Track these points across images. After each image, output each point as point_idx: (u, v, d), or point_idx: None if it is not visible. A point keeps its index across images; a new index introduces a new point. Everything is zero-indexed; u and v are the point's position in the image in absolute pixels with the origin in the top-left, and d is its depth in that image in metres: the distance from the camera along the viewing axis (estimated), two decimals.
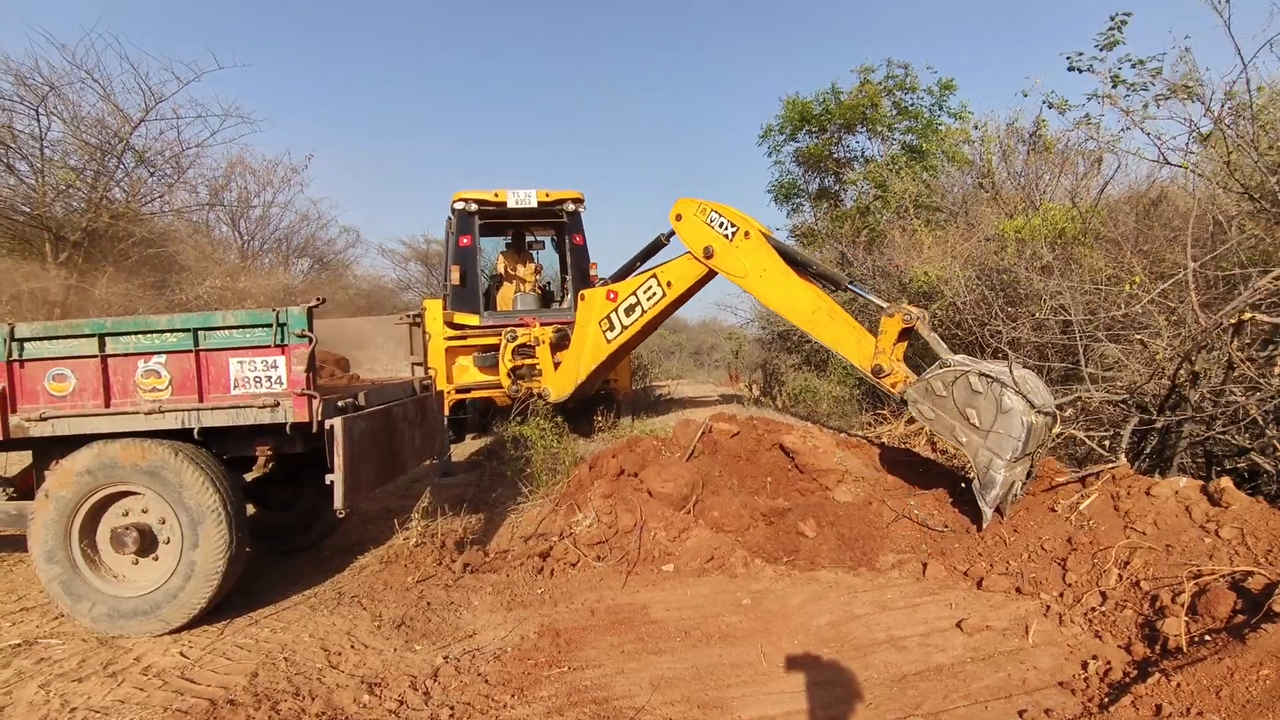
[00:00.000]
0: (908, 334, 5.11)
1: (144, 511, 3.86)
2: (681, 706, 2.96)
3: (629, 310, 6.57)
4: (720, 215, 5.91)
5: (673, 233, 6.33)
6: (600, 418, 7.84)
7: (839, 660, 3.29)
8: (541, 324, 7.82)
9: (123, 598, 3.79)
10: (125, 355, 3.81)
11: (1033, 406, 4.37)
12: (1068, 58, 7.05)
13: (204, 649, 3.62)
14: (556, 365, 7.47)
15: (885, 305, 5.18)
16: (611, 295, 6.68)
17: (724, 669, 3.27)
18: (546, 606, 4.10)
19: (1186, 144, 6.20)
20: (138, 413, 3.80)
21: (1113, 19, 6.90)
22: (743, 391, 11.94)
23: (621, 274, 6.80)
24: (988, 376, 4.48)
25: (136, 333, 3.81)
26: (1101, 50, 6.89)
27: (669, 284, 6.37)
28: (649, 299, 6.45)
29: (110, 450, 3.75)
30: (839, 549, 4.63)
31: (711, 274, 6.15)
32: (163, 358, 3.81)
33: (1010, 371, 4.48)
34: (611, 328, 6.68)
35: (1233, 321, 4.43)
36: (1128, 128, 6.51)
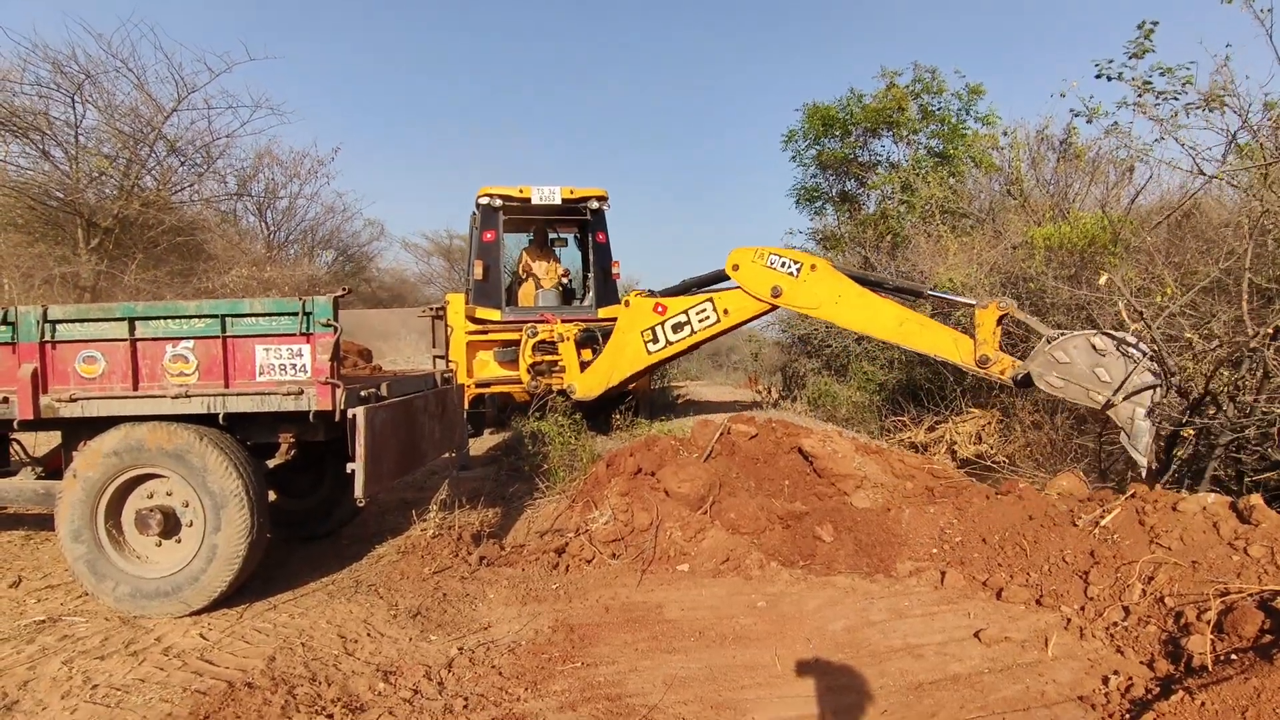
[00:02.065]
0: (1002, 320, 5.30)
1: (168, 494, 3.91)
2: (695, 706, 2.96)
3: (676, 327, 6.53)
4: (780, 256, 5.99)
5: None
6: (618, 416, 7.85)
7: (854, 666, 3.26)
8: (563, 320, 7.84)
9: (145, 578, 3.85)
10: (154, 339, 3.86)
11: (1151, 357, 4.63)
12: (1096, 65, 6.93)
13: (223, 632, 3.67)
14: (583, 364, 7.47)
15: (974, 301, 5.38)
16: (660, 308, 6.61)
17: (738, 670, 3.26)
18: (561, 602, 4.11)
19: (1223, 155, 6.06)
20: (165, 396, 3.84)
21: (1140, 27, 6.77)
22: (761, 395, 11.90)
23: (673, 291, 6.77)
24: (1110, 336, 4.73)
25: (166, 317, 3.85)
26: (1130, 59, 6.76)
27: (725, 311, 6.34)
28: (701, 321, 6.42)
29: (137, 433, 3.80)
30: (856, 554, 4.59)
31: (771, 309, 6.16)
32: (191, 343, 3.85)
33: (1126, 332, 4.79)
34: (655, 340, 6.64)
35: (1269, 331, 4.38)
36: (1160, 137, 6.38)
